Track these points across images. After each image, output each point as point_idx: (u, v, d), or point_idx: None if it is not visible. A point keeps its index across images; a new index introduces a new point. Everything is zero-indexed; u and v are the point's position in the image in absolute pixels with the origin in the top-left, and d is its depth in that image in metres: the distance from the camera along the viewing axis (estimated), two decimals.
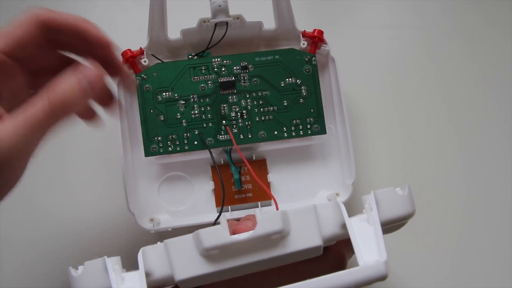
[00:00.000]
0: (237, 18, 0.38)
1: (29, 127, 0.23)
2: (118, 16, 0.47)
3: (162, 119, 0.37)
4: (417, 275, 0.41)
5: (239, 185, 0.38)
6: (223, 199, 0.37)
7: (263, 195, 0.38)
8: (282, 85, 0.38)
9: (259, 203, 0.38)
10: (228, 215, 0.38)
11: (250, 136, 0.38)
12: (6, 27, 0.26)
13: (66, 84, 0.24)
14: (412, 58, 0.46)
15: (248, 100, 0.38)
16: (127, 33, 0.46)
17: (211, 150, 0.37)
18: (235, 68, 0.38)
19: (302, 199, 0.39)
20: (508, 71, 0.46)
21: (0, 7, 0.46)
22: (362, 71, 0.45)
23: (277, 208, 0.35)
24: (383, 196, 0.25)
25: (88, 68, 0.26)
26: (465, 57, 0.46)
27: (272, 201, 0.39)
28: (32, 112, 0.23)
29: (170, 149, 0.37)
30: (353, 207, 0.40)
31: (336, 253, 0.29)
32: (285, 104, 0.38)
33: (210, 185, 0.39)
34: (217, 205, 0.39)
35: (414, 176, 0.43)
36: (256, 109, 0.38)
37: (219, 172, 0.38)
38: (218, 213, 0.36)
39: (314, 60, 0.38)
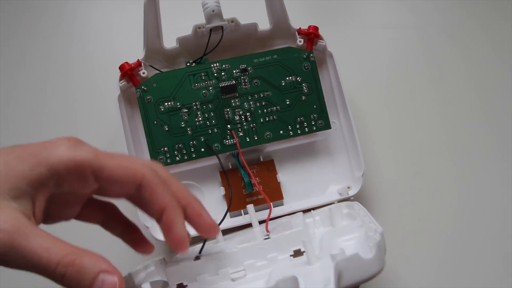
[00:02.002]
0: (232, 22, 0.37)
1: (22, 255, 0.20)
2: (118, 16, 0.46)
3: (167, 129, 0.37)
4: (422, 274, 0.40)
5: (250, 188, 0.38)
6: (229, 205, 0.37)
7: (274, 195, 0.38)
8: (283, 84, 0.38)
9: (272, 204, 0.38)
10: (240, 219, 0.38)
11: (256, 138, 0.37)
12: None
13: (87, 268, 0.21)
14: (412, 58, 0.46)
15: (251, 102, 0.38)
16: (127, 34, 0.45)
17: (219, 155, 0.37)
18: (234, 71, 0.38)
19: (313, 196, 0.39)
20: (508, 70, 0.46)
21: (0, 7, 0.46)
22: (362, 71, 0.45)
23: (269, 215, 0.35)
24: (345, 265, 0.25)
25: (114, 275, 0.22)
26: (465, 57, 0.46)
27: (284, 201, 0.39)
28: (44, 252, 0.21)
29: (177, 158, 0.37)
30: (364, 198, 0.41)
31: None
32: (288, 102, 0.38)
33: (221, 190, 0.38)
34: (229, 210, 0.38)
35: (416, 165, 0.43)
36: (259, 111, 0.38)
37: (227, 177, 0.37)
38: (221, 219, 0.35)
39: (312, 57, 0.38)
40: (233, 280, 0.31)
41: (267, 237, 0.32)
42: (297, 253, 0.31)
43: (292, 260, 0.31)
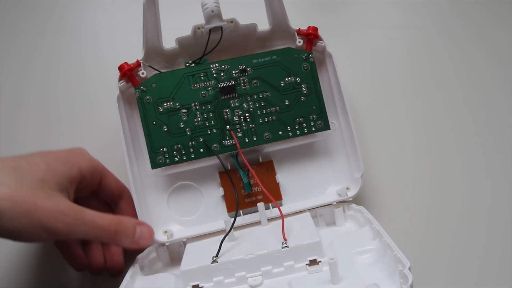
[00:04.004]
0: (231, 22, 0.37)
1: (85, 224, 0.29)
2: (117, 16, 0.46)
3: (166, 129, 0.37)
4: (421, 275, 0.40)
5: (249, 188, 0.38)
6: (237, 205, 0.37)
7: (273, 196, 0.38)
8: (282, 84, 0.38)
9: (270, 204, 0.38)
10: (240, 219, 0.38)
11: (255, 139, 0.37)
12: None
13: (128, 224, 0.32)
14: (412, 58, 0.46)
15: (250, 103, 0.38)
16: (126, 34, 0.45)
17: (218, 156, 0.37)
18: (234, 72, 0.38)
19: (312, 197, 0.39)
20: (508, 70, 0.46)
21: (0, 7, 0.46)
22: (362, 71, 0.45)
23: (280, 213, 0.35)
24: None
25: (147, 225, 0.34)
26: (465, 57, 0.46)
27: (283, 201, 0.39)
28: (99, 219, 0.30)
29: (176, 159, 0.37)
30: (363, 200, 0.41)
31: None
32: (287, 103, 0.38)
33: (220, 191, 0.38)
34: (228, 211, 0.38)
35: (415, 167, 0.43)
36: (258, 111, 0.38)
37: (230, 178, 0.37)
38: (233, 219, 0.36)
39: (311, 57, 0.38)
40: (250, 285, 0.31)
41: (285, 245, 0.32)
42: (313, 262, 0.32)
43: (310, 272, 0.32)
